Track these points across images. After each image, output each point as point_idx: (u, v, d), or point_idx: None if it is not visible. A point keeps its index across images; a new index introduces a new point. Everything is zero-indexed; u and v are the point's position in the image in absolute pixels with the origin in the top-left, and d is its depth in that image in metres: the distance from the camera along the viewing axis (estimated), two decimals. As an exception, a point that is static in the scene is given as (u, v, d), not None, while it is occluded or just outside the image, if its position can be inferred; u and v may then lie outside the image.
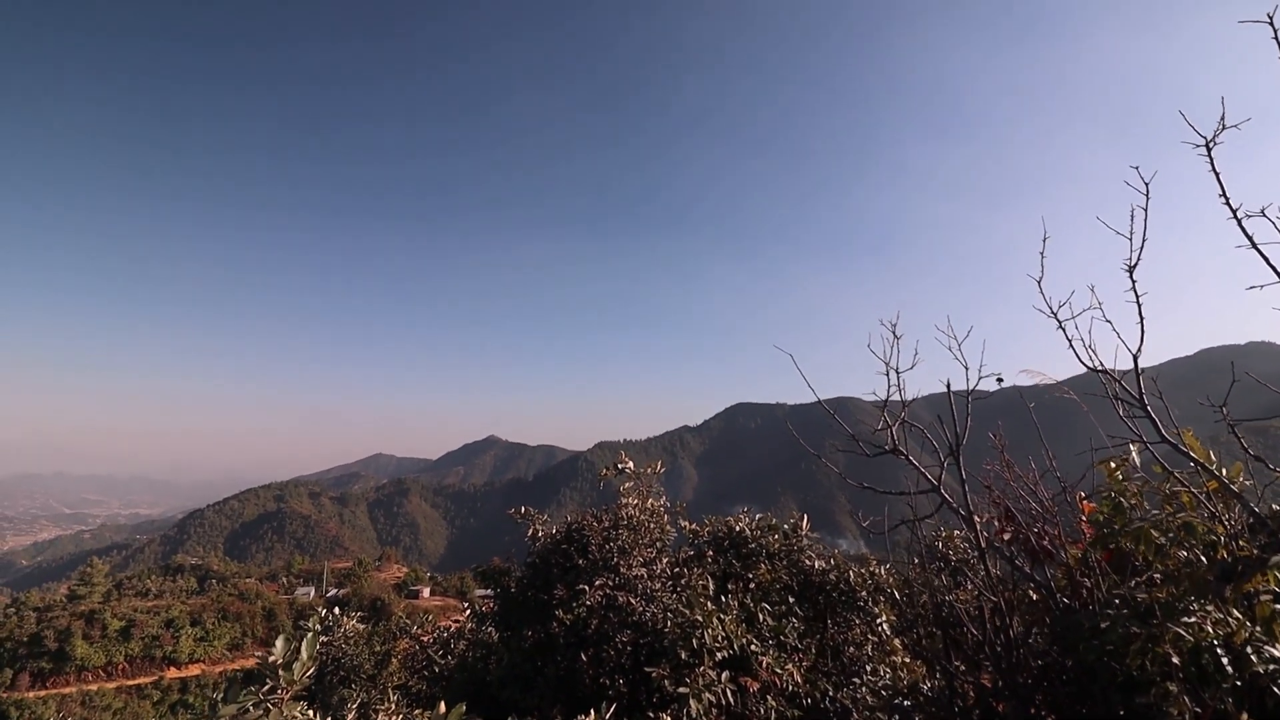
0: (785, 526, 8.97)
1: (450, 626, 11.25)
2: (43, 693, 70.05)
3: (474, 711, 7.95)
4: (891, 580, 8.15)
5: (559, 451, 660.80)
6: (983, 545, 3.45)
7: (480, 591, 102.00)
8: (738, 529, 8.93)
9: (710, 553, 8.95)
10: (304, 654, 2.65)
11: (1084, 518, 3.45)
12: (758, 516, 9.32)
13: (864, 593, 7.97)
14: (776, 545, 8.75)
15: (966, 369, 3.80)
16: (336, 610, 10.60)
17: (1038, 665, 3.24)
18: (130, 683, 75.14)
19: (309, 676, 2.73)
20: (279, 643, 2.76)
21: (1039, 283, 3.65)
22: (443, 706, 3.72)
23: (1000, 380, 3.57)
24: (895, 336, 4.13)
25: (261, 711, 2.58)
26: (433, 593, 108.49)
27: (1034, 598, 3.76)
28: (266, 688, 2.62)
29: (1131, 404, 3.06)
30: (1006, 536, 3.45)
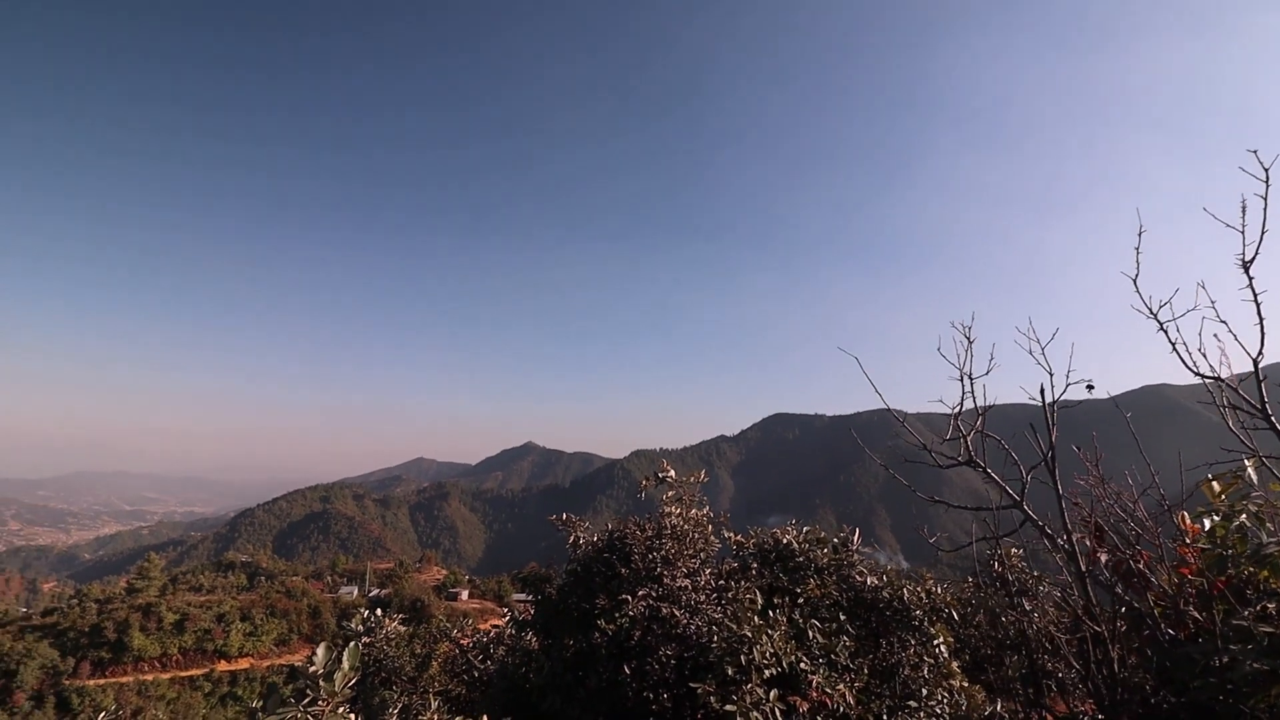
0: (835, 540, 8.63)
1: (489, 631, 11.16)
2: (102, 681, 72.97)
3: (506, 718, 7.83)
4: (950, 600, 7.74)
5: (595, 459, 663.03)
6: (1083, 568, 3.14)
7: (517, 596, 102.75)
8: (784, 541, 8.62)
9: (755, 565, 8.66)
10: (345, 664, 2.53)
11: (1187, 540, 3.11)
12: (805, 529, 9.00)
13: (919, 612, 7.59)
14: (825, 559, 8.41)
15: (1051, 374, 3.50)
16: (379, 611, 10.61)
17: (1135, 701, 2.92)
18: (183, 674, 77.74)
19: (350, 687, 2.61)
20: (320, 651, 2.65)
21: (1134, 280, 3.34)
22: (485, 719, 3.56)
23: (1091, 387, 3.26)
24: (969, 340, 3.84)
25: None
26: (471, 595, 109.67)
27: (1122, 626, 3.42)
28: (307, 700, 2.51)
29: (1252, 414, 2.73)
30: (1103, 558, 3.13)
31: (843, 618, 7.47)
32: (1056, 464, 3.24)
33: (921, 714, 6.68)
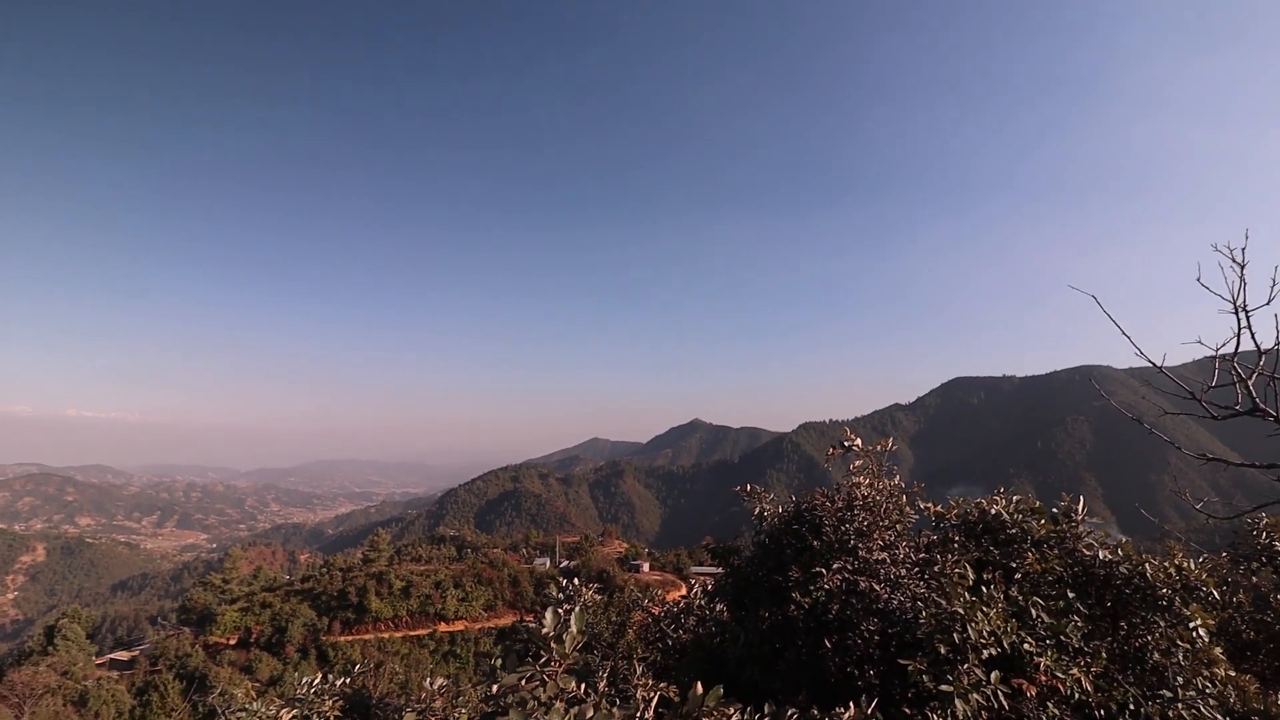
0: (1054, 510, 7.75)
1: (679, 601, 11.47)
2: (350, 637, 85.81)
3: (710, 688, 7.98)
4: (1207, 578, 6.65)
5: (763, 433, 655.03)
6: None
7: (696, 569, 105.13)
8: (993, 512, 7.90)
9: (959, 538, 8.04)
10: (574, 627, 2.70)
11: None
12: (1015, 498, 8.18)
13: (1166, 590, 6.59)
14: (1043, 531, 7.60)
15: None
16: (575, 581, 11.30)
17: None
18: (412, 633, 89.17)
19: (578, 650, 2.77)
20: (548, 616, 2.84)
21: None
22: (700, 686, 3.62)
23: None
24: (1239, 265, 3.16)
25: (538, 682, 2.67)
26: (651, 568, 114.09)
27: None
28: (542, 660, 2.70)
29: None
30: None
31: (1070, 595, 6.70)
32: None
33: (1179, 705, 5.81)
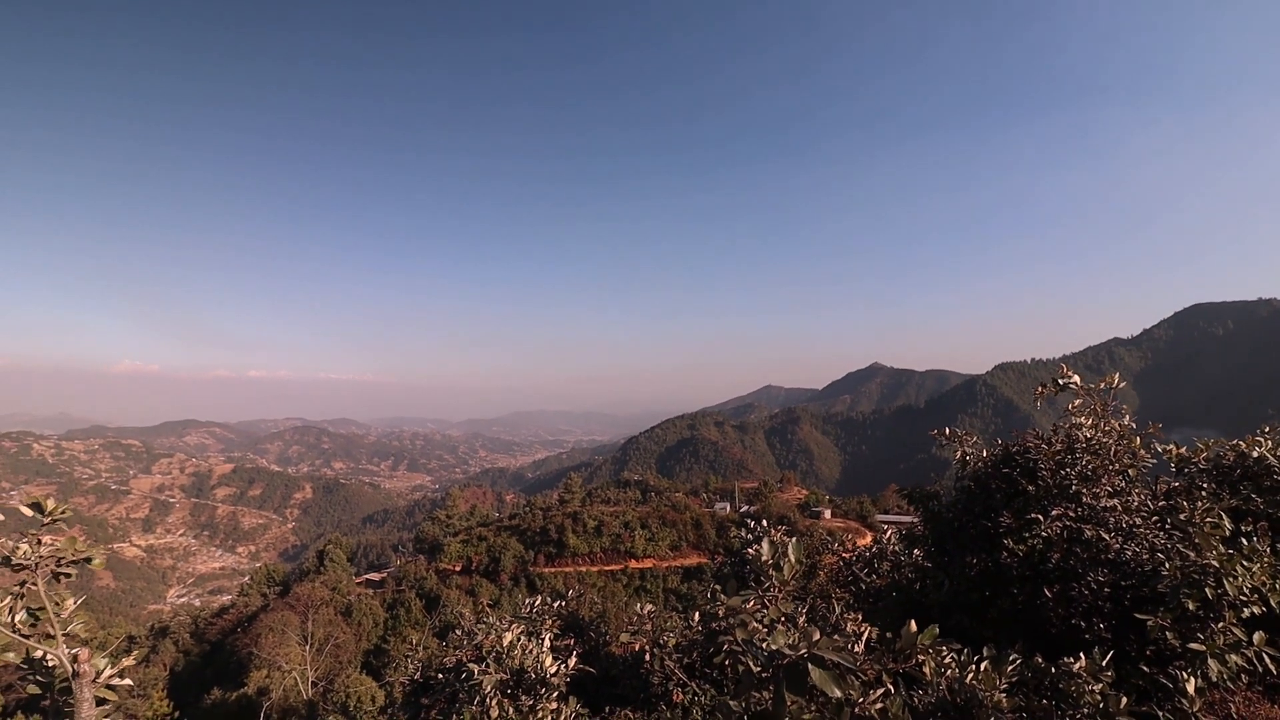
0: (1342, 452, 6.50)
1: (871, 546, 11.29)
2: (552, 570, 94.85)
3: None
4: None
5: (951, 376, 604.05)
6: None
7: (882, 516, 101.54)
8: (1254, 455, 6.81)
9: (1208, 485, 7.04)
10: (792, 556, 2.85)
11: None
12: (1286, 439, 6.96)
13: None
14: (1325, 477, 6.42)
15: None
16: (764, 522, 11.53)
17: None
18: (605, 568, 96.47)
19: (797, 578, 2.92)
20: (765, 545, 3.02)
21: None
22: (913, 625, 3.64)
23: None
24: None
25: (760, 605, 2.87)
26: (834, 515, 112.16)
27: None
28: (765, 587, 2.89)
29: None
30: None
31: (1365, 553, 5.65)
32: None
33: None
